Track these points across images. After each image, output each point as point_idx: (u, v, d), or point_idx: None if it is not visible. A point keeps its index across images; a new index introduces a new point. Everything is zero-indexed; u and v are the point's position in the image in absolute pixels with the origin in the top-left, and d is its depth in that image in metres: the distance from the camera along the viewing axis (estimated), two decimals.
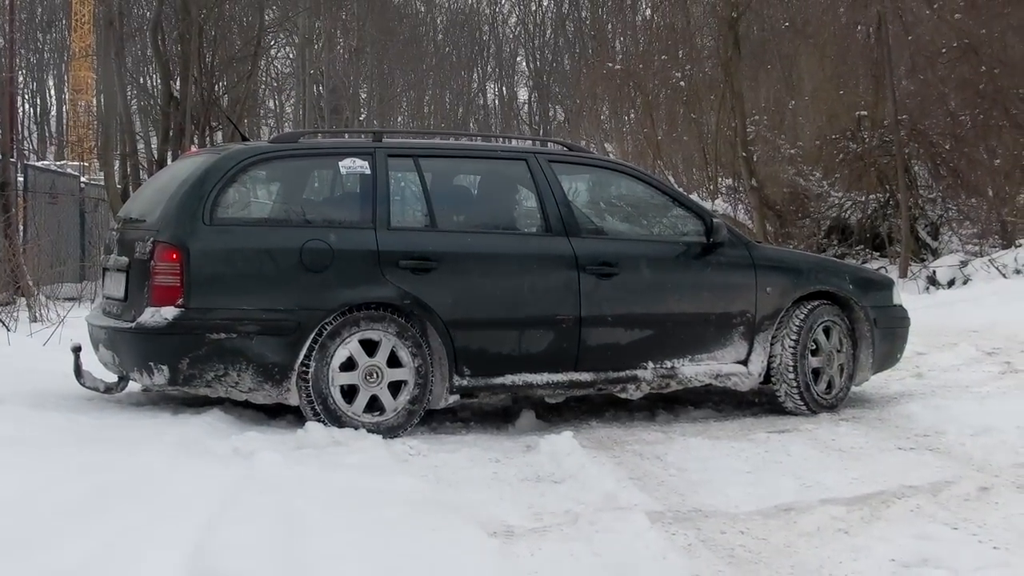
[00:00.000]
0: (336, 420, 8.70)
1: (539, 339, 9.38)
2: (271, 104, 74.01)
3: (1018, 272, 19.75)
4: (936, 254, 24.57)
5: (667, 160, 34.24)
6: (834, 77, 30.42)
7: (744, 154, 27.71)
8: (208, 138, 21.70)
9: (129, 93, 22.64)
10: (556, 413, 10.24)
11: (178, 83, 21.13)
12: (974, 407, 9.89)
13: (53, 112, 77.46)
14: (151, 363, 8.65)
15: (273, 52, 61.60)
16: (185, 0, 20.79)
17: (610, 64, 38.69)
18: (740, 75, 28.94)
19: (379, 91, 63.60)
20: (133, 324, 8.68)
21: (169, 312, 8.49)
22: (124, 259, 9.13)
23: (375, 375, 8.83)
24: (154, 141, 22.28)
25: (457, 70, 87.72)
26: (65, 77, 61.90)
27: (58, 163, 37.07)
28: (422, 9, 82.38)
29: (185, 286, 8.50)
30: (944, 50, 24.45)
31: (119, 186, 20.91)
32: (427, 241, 9.17)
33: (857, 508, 6.92)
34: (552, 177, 9.75)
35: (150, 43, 21.95)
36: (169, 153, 20.86)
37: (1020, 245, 20.82)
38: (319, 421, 8.66)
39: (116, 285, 9.36)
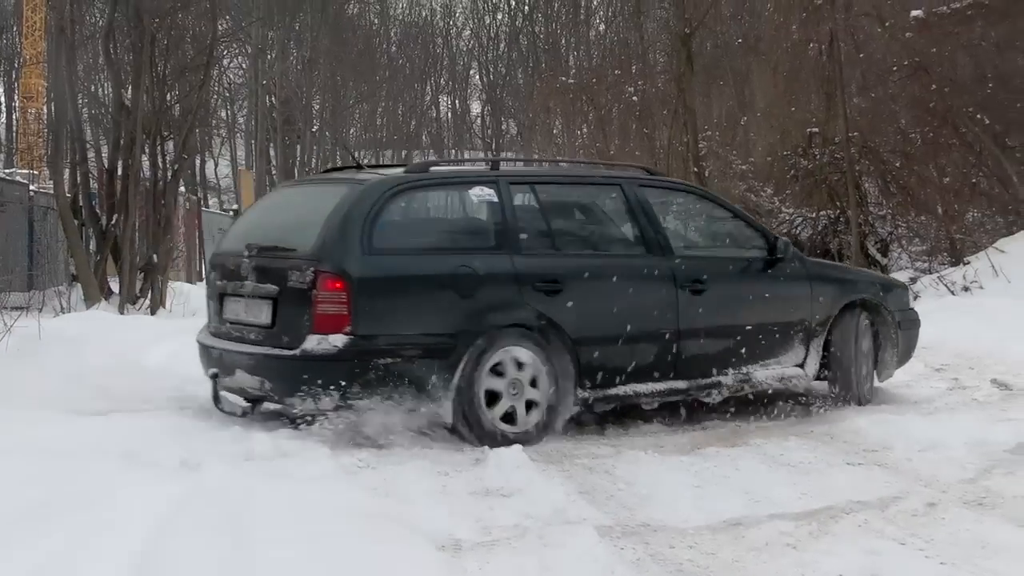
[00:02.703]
0: (489, 437, 9.10)
1: (645, 352, 10.04)
2: (223, 114, 73.86)
3: (966, 289, 19.85)
4: (886, 271, 24.65)
5: None
6: (786, 94, 30.59)
7: (696, 169, 27.77)
8: (160, 148, 21.56)
9: (80, 101, 22.49)
10: None
11: (130, 92, 20.97)
12: (922, 423, 9.93)
13: (3, 119, 76.91)
14: (319, 389, 8.85)
15: (226, 62, 61.43)
16: (137, 8, 20.67)
17: (563, 78, 38.89)
18: (692, 91, 29.05)
19: (332, 103, 63.49)
20: (298, 351, 8.92)
21: (338, 339, 8.81)
22: (271, 287, 9.34)
23: (516, 391, 9.30)
24: (105, 150, 22.10)
25: (410, 83, 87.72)
26: (15, 84, 61.47)
27: (7, 171, 36.80)
28: (376, 21, 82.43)
29: (352, 314, 8.84)
30: (895, 68, 24.60)
31: (69, 195, 20.75)
32: (554, 264, 9.77)
33: (805, 523, 6.94)
34: (644, 201, 10.51)
35: (102, 51, 21.82)
36: (120, 162, 20.69)
37: (968, 263, 20.94)
38: (472, 436, 9.14)
39: (254, 311, 9.59)
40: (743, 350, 10.59)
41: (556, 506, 7.22)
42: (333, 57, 61.42)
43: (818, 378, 11.33)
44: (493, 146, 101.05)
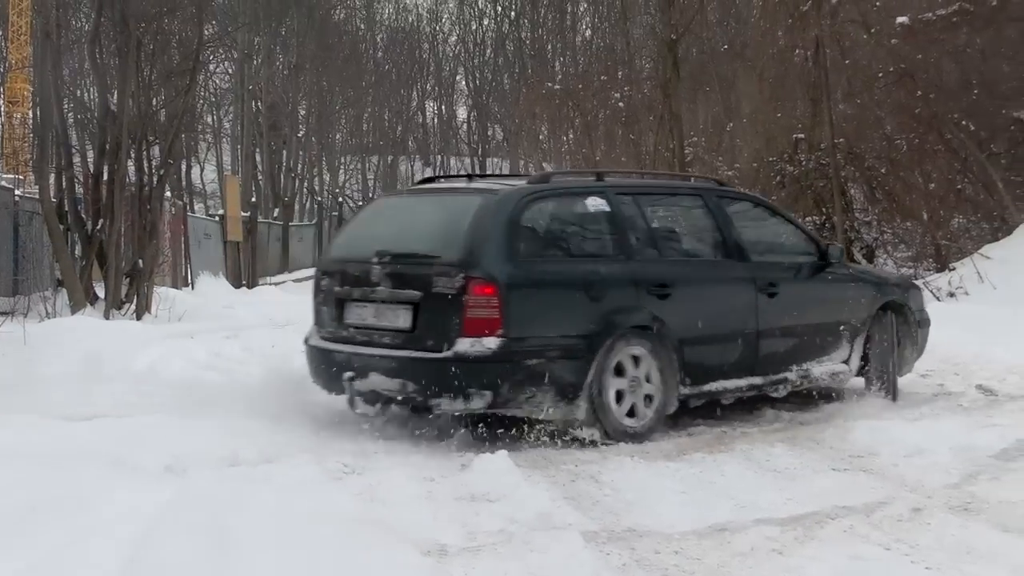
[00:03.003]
0: (617, 434, 9.74)
1: (733, 350, 10.84)
2: (209, 119, 73.75)
3: (951, 295, 19.88)
4: None
5: None
6: (772, 100, 30.61)
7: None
8: (145, 153, 21.52)
9: (66, 106, 22.43)
10: (490, 431, 10.24)
11: (115, 96, 20.93)
12: (908, 429, 9.95)
13: None
14: (471, 389, 9.26)
15: (212, 67, 61.34)
16: (123, 13, 20.61)
17: (549, 84, 38.85)
18: (679, 97, 29.09)
19: (318, 108, 63.45)
20: (450, 353, 9.28)
21: (491, 342, 9.23)
22: (411, 292, 9.65)
23: (635, 388, 9.93)
24: (91, 155, 22.05)
25: (396, 88, 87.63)
26: (1, 89, 61.33)
27: None
28: (362, 27, 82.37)
29: (504, 317, 9.28)
30: (881, 75, 24.67)
31: (54, 200, 20.69)
32: (662, 270, 10.50)
33: (791, 528, 6.95)
34: (724, 210, 11.40)
35: (88, 56, 21.74)
36: (105, 167, 20.64)
37: (954, 269, 20.98)
38: (600, 434, 9.67)
39: (389, 316, 9.88)
40: (805, 348, 11.47)
41: (542, 511, 7.22)
42: (319, 62, 61.37)
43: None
44: (479, 152, 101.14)
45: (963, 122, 22.67)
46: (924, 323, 12.94)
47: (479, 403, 9.32)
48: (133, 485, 7.31)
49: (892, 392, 11.91)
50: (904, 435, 9.58)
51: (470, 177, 12.09)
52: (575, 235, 10.48)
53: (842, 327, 11.81)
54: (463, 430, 9.80)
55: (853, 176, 26.75)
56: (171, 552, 5.96)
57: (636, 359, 9.93)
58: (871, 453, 9.18)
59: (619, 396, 9.79)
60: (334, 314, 10.44)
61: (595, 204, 10.43)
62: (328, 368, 10.25)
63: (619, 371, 9.80)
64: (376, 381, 9.75)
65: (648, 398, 10.01)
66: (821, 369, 11.62)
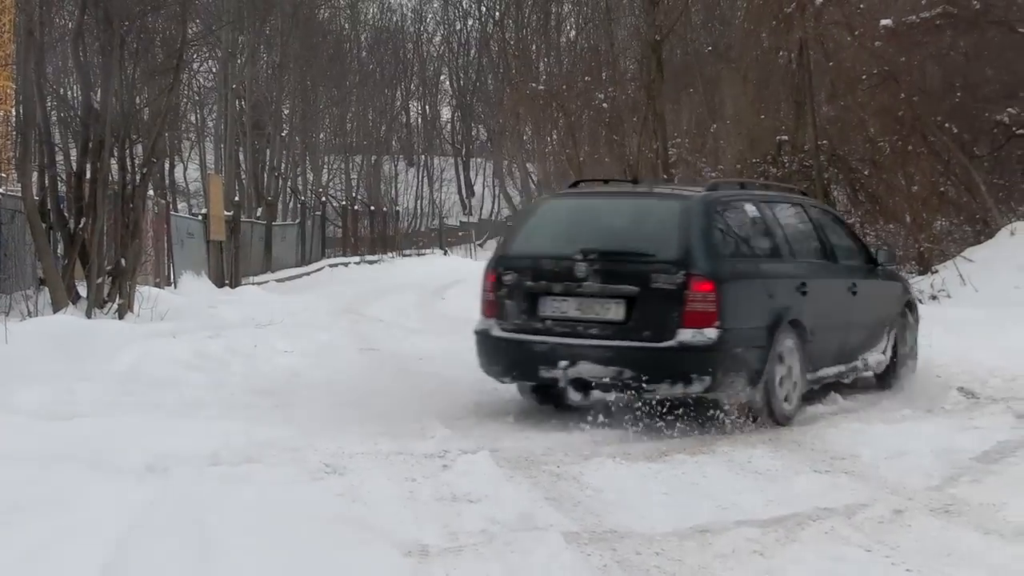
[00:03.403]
0: (781, 417, 10.90)
1: (835, 341, 12.03)
2: (193, 118, 73.59)
3: (934, 298, 19.93)
4: None
5: None
6: (755, 101, 30.67)
7: (665, 176, 27.84)
8: (128, 151, 21.45)
9: (49, 104, 22.35)
10: (467, 430, 10.25)
11: (99, 95, 20.87)
12: (889, 431, 9.99)
13: None
14: (693, 375, 10.27)
15: (196, 66, 61.19)
16: (107, 11, 20.54)
17: (533, 84, 38.79)
18: (662, 98, 29.10)
19: (302, 107, 63.31)
20: (673, 343, 10.23)
21: (711, 332, 10.20)
22: (627, 287, 10.45)
23: (787, 375, 11.00)
24: (73, 153, 21.98)
25: (381, 88, 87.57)
26: None
27: None
28: (346, 26, 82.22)
29: (719, 310, 10.27)
30: (864, 77, 24.71)
31: (36, 198, 20.61)
32: (802, 269, 11.80)
33: (772, 530, 6.95)
34: (819, 216, 13.00)
35: (71, 54, 21.63)
36: (88, 165, 20.58)
37: (936, 271, 21.04)
38: (768, 417, 10.78)
39: (597, 309, 10.62)
40: (867, 339, 12.76)
41: (523, 512, 7.22)
42: (303, 62, 61.20)
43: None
44: (463, 152, 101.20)
45: (946, 125, 22.75)
46: (918, 320, 14.32)
47: (698, 387, 10.32)
48: (115, 485, 7.30)
49: (901, 384, 13.18)
50: (885, 437, 9.62)
51: (634, 182, 14.06)
52: (749, 238, 11.54)
53: (885, 321, 13.18)
54: (444, 429, 9.89)
55: (836, 178, 26.82)
56: (152, 551, 5.96)
57: (790, 349, 11.04)
58: (852, 455, 9.21)
59: (781, 382, 10.90)
60: (524, 307, 10.98)
61: (751, 211, 11.70)
62: (522, 358, 10.91)
63: (781, 359, 10.90)
64: (586, 369, 10.39)
65: (793, 385, 11.13)
66: (873, 358, 12.88)
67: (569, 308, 10.76)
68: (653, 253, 10.61)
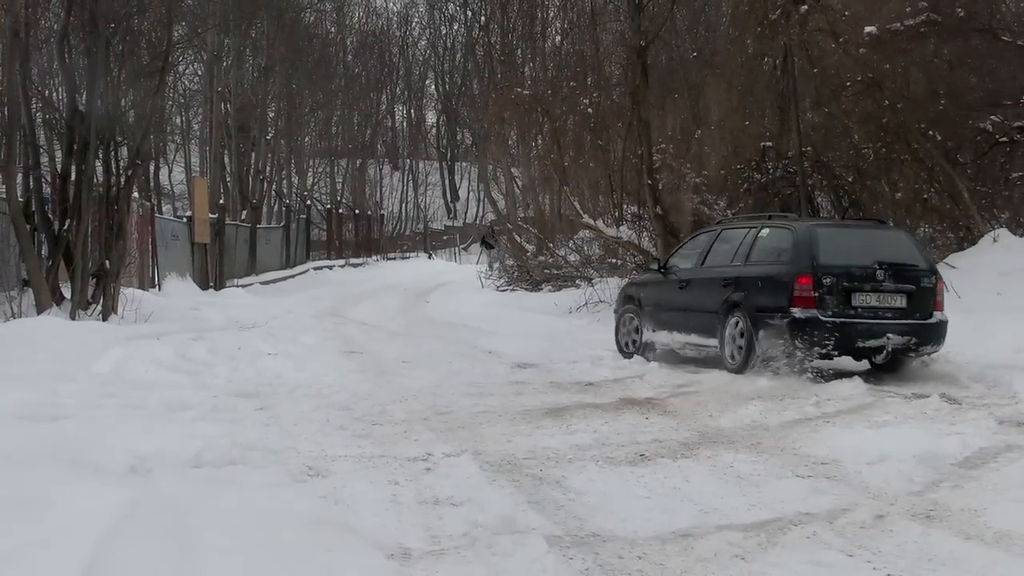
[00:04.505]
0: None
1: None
2: (178, 120, 73.46)
3: None
4: None
5: (573, 186, 34.21)
6: (740, 108, 30.65)
7: (650, 182, 27.80)
8: (113, 153, 21.41)
9: (34, 105, 22.30)
10: (450, 433, 10.27)
11: (84, 96, 20.84)
12: (871, 436, 10.01)
13: None
14: (943, 341, 15.42)
15: (181, 68, 61.12)
16: (92, 13, 20.52)
17: (518, 89, 38.67)
18: (647, 103, 29.01)
19: (287, 110, 63.21)
20: (934, 320, 15.43)
21: (942, 315, 15.55)
22: (908, 286, 15.42)
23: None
24: (58, 155, 21.94)
25: (366, 91, 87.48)
26: None
27: None
28: (332, 30, 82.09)
29: (941, 302, 15.70)
30: (849, 84, 24.72)
31: (21, 199, 20.57)
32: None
33: (754, 534, 6.97)
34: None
35: (56, 55, 21.59)
36: (73, 167, 20.55)
37: None
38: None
39: (890, 300, 15.33)
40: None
41: (506, 515, 7.22)
42: (289, 65, 61.04)
43: None
44: (448, 156, 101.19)
45: (930, 132, 22.78)
46: None
47: (941, 348, 15.42)
48: (97, 486, 7.29)
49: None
50: (868, 442, 9.63)
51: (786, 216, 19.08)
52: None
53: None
54: (429, 432, 9.92)
55: (820, 184, 26.83)
56: (134, 553, 5.95)
57: None
58: (834, 460, 9.23)
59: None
60: (844, 299, 15.08)
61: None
62: (846, 334, 14.89)
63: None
64: (893, 340, 14.94)
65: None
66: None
67: (873, 300, 15.28)
68: (917, 264, 15.74)
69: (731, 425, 11.01)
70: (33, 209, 20.72)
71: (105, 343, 15.01)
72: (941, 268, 20.12)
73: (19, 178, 21.45)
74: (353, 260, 57.52)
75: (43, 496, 6.89)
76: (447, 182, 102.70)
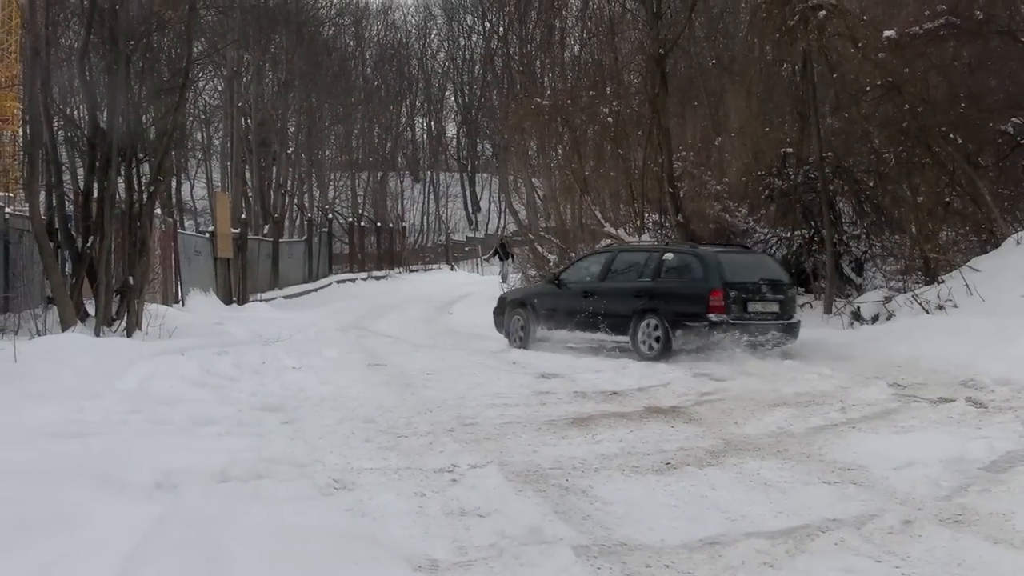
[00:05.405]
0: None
1: None
2: (199, 136, 73.72)
3: (941, 308, 19.89)
4: (860, 290, 24.71)
5: (594, 195, 34.21)
6: (760, 114, 30.63)
7: (671, 190, 27.80)
8: (135, 170, 21.50)
9: (55, 123, 22.40)
10: (476, 444, 10.26)
11: (105, 114, 20.92)
12: (898, 441, 9.98)
13: None
14: (798, 335, 19.93)
15: (201, 84, 61.31)
16: (112, 31, 20.60)
17: (538, 99, 38.64)
18: (667, 111, 29.03)
19: (307, 124, 63.37)
20: (795, 321, 20.05)
21: (799, 316, 20.61)
22: (779, 295, 19.70)
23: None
24: (80, 172, 22.06)
25: (386, 104, 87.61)
26: None
27: None
28: (351, 43, 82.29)
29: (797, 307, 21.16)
30: (868, 88, 24.65)
31: (44, 217, 20.66)
32: None
33: (782, 541, 6.95)
34: None
35: (77, 73, 21.69)
36: (95, 184, 20.64)
37: (943, 281, 21.00)
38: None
39: (769, 307, 19.52)
40: None
41: (532, 526, 7.22)
42: (308, 79, 61.24)
43: None
44: (468, 168, 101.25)
45: (951, 135, 22.68)
46: None
47: (796, 341, 19.69)
48: (124, 502, 7.31)
49: None
50: (894, 447, 9.60)
51: (730, 245, 23.30)
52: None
53: None
54: (454, 444, 9.90)
55: (841, 190, 26.75)
56: (162, 568, 5.97)
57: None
58: (861, 465, 9.19)
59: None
60: (740, 307, 19.09)
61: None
62: (745, 331, 18.91)
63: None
64: (771, 335, 19.20)
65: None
66: None
67: (758, 307, 19.30)
68: (783, 280, 20.22)
69: (757, 432, 10.97)
70: (56, 227, 20.81)
71: (130, 359, 15.06)
72: (965, 271, 20.14)
73: (42, 196, 21.55)
74: (375, 273, 57.54)
75: (71, 512, 6.91)
76: (468, 193, 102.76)
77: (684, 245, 22.81)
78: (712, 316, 18.93)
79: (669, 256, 20.69)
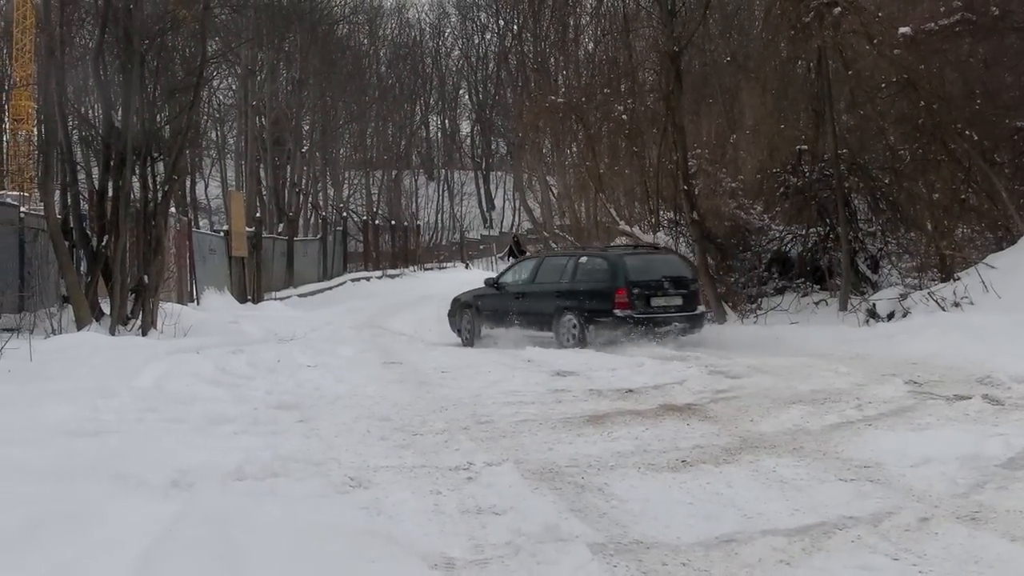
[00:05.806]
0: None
1: None
2: (213, 135, 73.83)
3: (957, 305, 19.84)
4: (876, 287, 24.67)
5: (609, 193, 34.22)
6: (775, 111, 30.60)
7: (686, 187, 27.75)
8: (150, 169, 21.56)
9: (70, 123, 22.44)
10: (491, 442, 10.24)
11: (119, 113, 20.96)
12: (914, 438, 9.93)
13: None
14: (703, 325, 22.38)
15: (215, 83, 61.41)
16: (127, 30, 20.64)
17: (552, 97, 38.64)
18: (682, 109, 28.97)
19: (322, 123, 63.43)
20: (698, 312, 22.23)
21: (702, 308, 23.26)
22: (682, 290, 22.01)
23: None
24: (95, 171, 22.10)
25: (400, 103, 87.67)
26: (5, 106, 61.39)
27: None
28: (365, 41, 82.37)
29: (700, 300, 23.48)
30: (884, 85, 24.61)
31: (59, 216, 20.70)
32: None
33: (798, 539, 6.93)
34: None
35: (91, 73, 21.74)
36: (110, 183, 20.69)
37: (958, 278, 20.95)
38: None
39: (673, 300, 21.77)
40: None
41: (548, 523, 7.20)
42: (323, 77, 61.28)
43: None
44: (483, 166, 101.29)
45: (966, 132, 22.63)
46: None
47: (701, 330, 21.96)
48: (140, 500, 7.31)
49: None
50: (910, 445, 9.56)
51: (636, 247, 25.85)
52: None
53: None
54: (468, 441, 9.89)
55: (857, 187, 26.71)
56: (179, 566, 5.96)
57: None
58: (877, 463, 9.15)
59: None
60: (644, 302, 21.25)
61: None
62: (649, 324, 21.02)
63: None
64: (675, 326, 21.17)
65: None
66: None
67: (662, 301, 21.36)
68: (687, 276, 22.40)
69: (772, 430, 10.94)
70: (71, 226, 20.86)
71: (145, 358, 15.09)
72: (981, 268, 20.08)
73: (57, 195, 21.59)
74: (390, 271, 57.65)
75: (88, 511, 6.92)
76: (482, 191, 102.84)
77: (595, 249, 25.63)
78: (618, 312, 21.26)
79: (584, 259, 23.36)
